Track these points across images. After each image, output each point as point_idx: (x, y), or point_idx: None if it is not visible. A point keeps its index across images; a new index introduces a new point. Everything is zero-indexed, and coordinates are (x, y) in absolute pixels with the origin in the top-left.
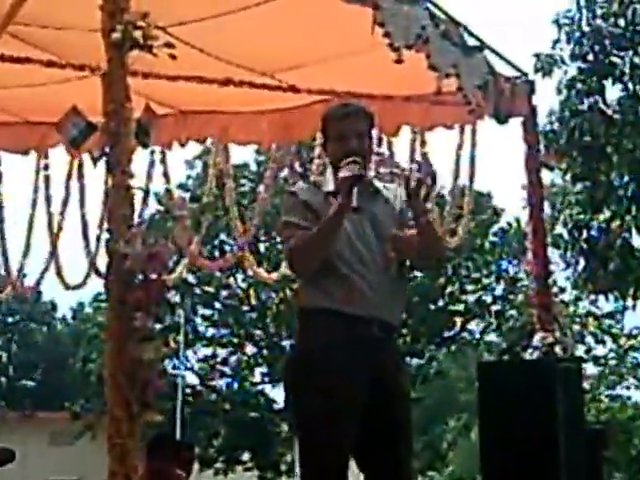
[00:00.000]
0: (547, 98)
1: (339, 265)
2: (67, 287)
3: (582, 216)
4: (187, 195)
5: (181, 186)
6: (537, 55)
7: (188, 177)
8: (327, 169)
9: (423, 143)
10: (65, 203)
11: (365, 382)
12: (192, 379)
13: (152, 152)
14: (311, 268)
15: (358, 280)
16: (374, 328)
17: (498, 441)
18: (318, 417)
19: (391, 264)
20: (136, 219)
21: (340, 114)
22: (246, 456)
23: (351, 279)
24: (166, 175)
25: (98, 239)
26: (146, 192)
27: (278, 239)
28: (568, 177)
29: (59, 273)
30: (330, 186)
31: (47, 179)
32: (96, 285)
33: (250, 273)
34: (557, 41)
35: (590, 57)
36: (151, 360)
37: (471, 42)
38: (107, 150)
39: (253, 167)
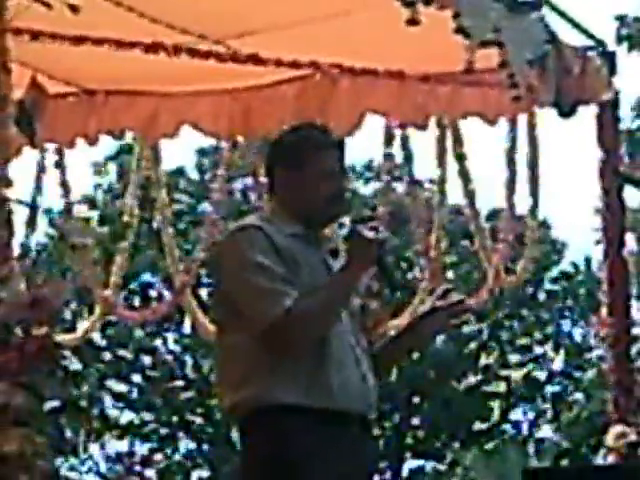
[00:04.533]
0: (635, 81)
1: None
2: None
3: None
4: (95, 214)
5: (86, 200)
6: (621, 18)
7: (96, 187)
8: (274, 203)
9: (457, 142)
10: None
11: None
12: None
13: (42, 150)
14: (307, 347)
15: (332, 364)
16: (354, 426)
17: None
18: None
19: (363, 341)
20: (16, 248)
21: (333, 142)
22: None
23: (324, 362)
24: (64, 185)
25: None
26: (32, 208)
27: None
28: None
29: None
30: (291, 227)
31: None
32: None
33: (187, 331)
34: None
35: None
36: (18, 454)
37: None
38: None
39: (193, 175)
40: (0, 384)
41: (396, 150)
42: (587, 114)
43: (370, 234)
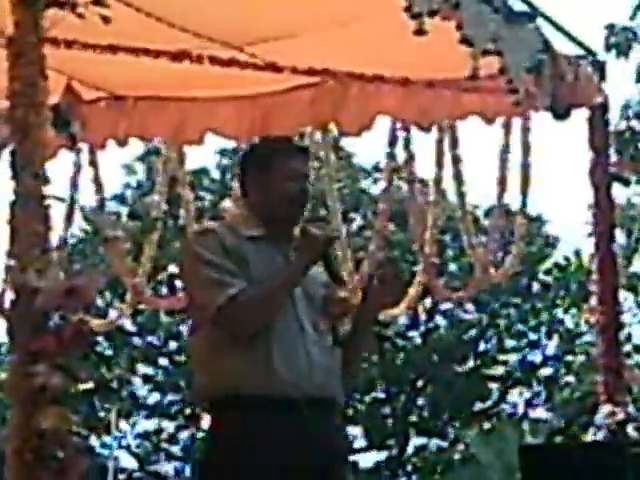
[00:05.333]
0: (622, 86)
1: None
2: None
3: None
4: (124, 210)
5: (116, 197)
6: (610, 27)
7: (126, 186)
8: (241, 207)
9: (454, 143)
10: None
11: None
12: (128, 461)
13: (78, 152)
14: (252, 332)
15: (278, 351)
16: (305, 409)
17: None
18: None
19: (321, 328)
20: (55, 241)
21: (292, 149)
22: None
23: (268, 350)
24: (97, 182)
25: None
26: (70, 205)
27: None
28: None
29: None
30: (251, 230)
31: None
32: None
33: None
34: (639, 8)
35: None
36: (54, 430)
37: (519, 7)
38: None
39: (215, 174)
40: (39, 366)
41: (399, 151)
42: (579, 117)
43: (317, 232)
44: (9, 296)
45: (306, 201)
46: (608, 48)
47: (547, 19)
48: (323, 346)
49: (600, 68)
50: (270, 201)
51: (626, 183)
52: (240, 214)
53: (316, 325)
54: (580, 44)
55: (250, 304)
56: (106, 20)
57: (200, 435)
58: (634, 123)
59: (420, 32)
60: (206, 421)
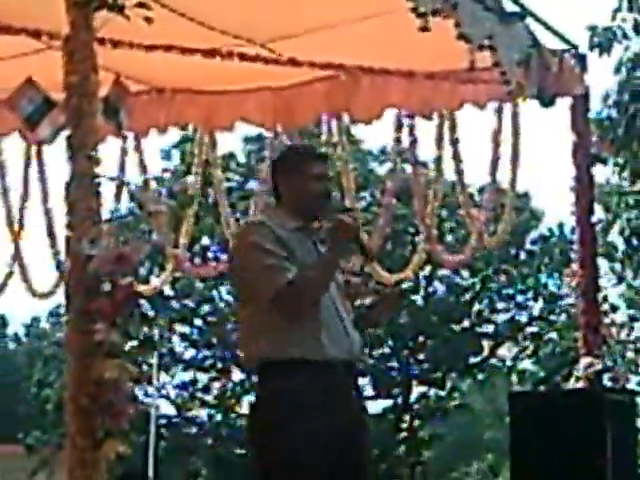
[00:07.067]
0: (603, 81)
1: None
2: (34, 294)
3: None
4: (163, 190)
5: (156, 180)
6: (593, 28)
7: (164, 170)
8: (278, 204)
9: (453, 127)
10: (24, 196)
11: (337, 426)
12: (168, 409)
13: (124, 138)
14: (305, 310)
15: (322, 324)
16: (341, 373)
17: None
18: (300, 458)
19: (347, 307)
20: (106, 215)
21: (320, 154)
22: None
23: (315, 323)
24: (142, 164)
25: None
26: (119, 185)
27: None
28: (626, 174)
29: (24, 278)
30: (290, 223)
31: (1, 167)
32: (60, 296)
33: None
34: (618, 10)
35: None
36: (114, 380)
37: (510, 8)
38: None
39: (241, 158)
40: (99, 324)
41: (404, 136)
42: (563, 105)
43: (350, 220)
44: (67, 263)
45: (330, 197)
46: (591, 47)
47: (536, 18)
48: (350, 320)
49: (582, 61)
50: (300, 199)
51: (604, 162)
52: (278, 210)
53: (343, 304)
54: (564, 39)
55: (304, 287)
56: (149, 20)
57: (230, 386)
58: (612, 112)
59: (425, 29)
60: (259, 381)
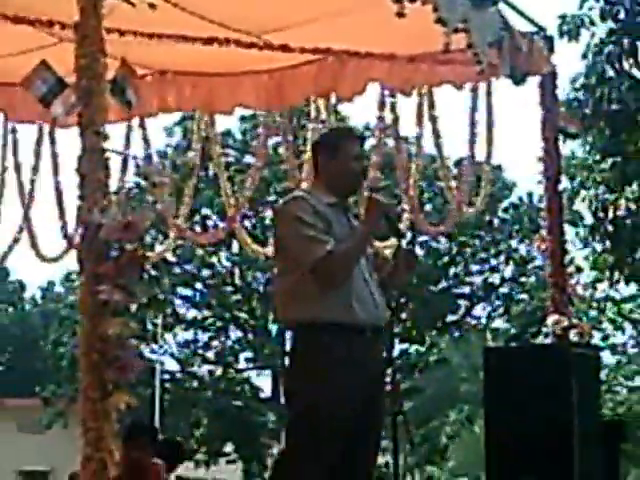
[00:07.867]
0: (572, 65)
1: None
2: (43, 259)
3: (608, 195)
4: (167, 163)
5: (160, 154)
6: (562, 17)
7: (167, 146)
8: (316, 181)
9: (432, 105)
10: (35, 170)
11: (361, 380)
12: (171, 365)
13: (131, 116)
14: (343, 282)
15: (353, 291)
16: (370, 333)
17: (505, 434)
18: (336, 404)
19: (375, 277)
20: (114, 186)
21: (357, 135)
22: (229, 448)
23: (347, 290)
24: (145, 140)
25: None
26: (125, 159)
27: (267, 214)
28: (595, 152)
29: (33, 244)
30: (327, 198)
31: (15, 144)
32: (73, 262)
33: (235, 251)
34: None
35: (622, 16)
36: (118, 335)
37: None
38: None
39: (238, 135)
40: (103, 286)
41: (386, 114)
42: (533, 83)
43: (382, 199)
44: (79, 231)
45: (365, 176)
46: (561, 34)
47: (506, 2)
48: (377, 287)
49: (550, 43)
50: (339, 177)
51: (570, 136)
52: (315, 186)
53: (371, 274)
54: (533, 22)
55: (342, 258)
56: (153, 6)
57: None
58: (580, 94)
59: (400, 14)
60: (295, 340)
